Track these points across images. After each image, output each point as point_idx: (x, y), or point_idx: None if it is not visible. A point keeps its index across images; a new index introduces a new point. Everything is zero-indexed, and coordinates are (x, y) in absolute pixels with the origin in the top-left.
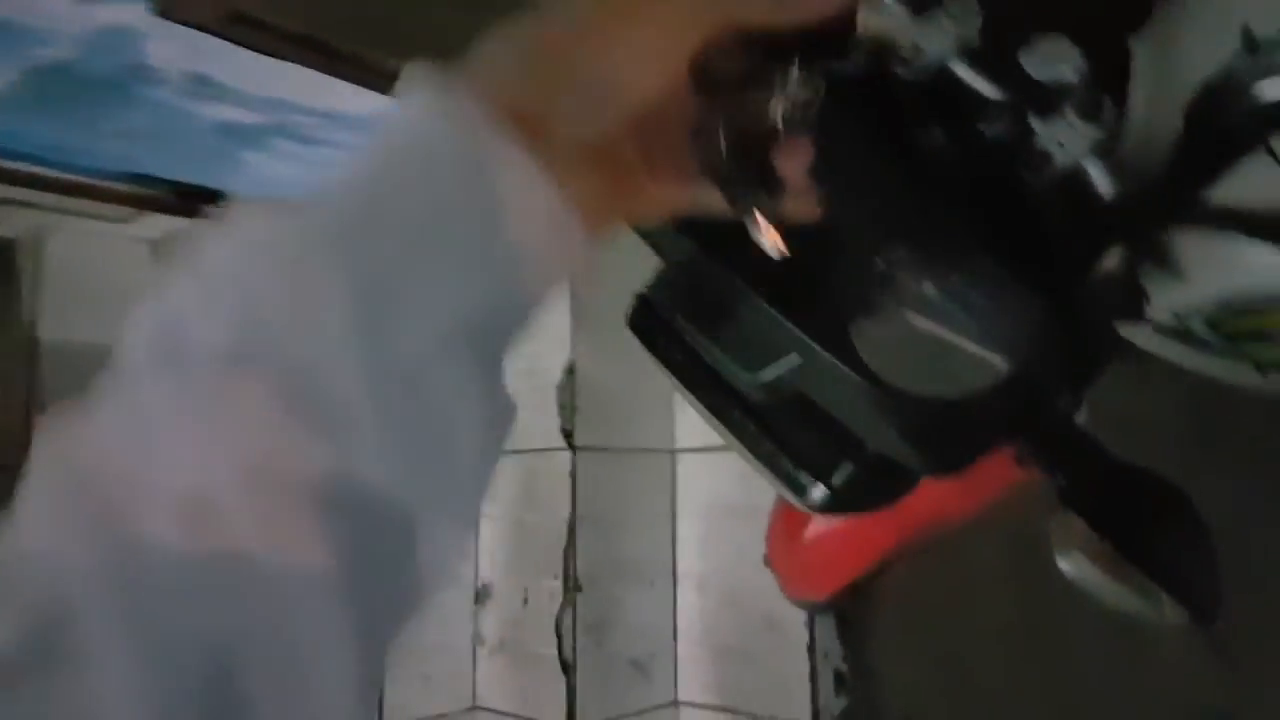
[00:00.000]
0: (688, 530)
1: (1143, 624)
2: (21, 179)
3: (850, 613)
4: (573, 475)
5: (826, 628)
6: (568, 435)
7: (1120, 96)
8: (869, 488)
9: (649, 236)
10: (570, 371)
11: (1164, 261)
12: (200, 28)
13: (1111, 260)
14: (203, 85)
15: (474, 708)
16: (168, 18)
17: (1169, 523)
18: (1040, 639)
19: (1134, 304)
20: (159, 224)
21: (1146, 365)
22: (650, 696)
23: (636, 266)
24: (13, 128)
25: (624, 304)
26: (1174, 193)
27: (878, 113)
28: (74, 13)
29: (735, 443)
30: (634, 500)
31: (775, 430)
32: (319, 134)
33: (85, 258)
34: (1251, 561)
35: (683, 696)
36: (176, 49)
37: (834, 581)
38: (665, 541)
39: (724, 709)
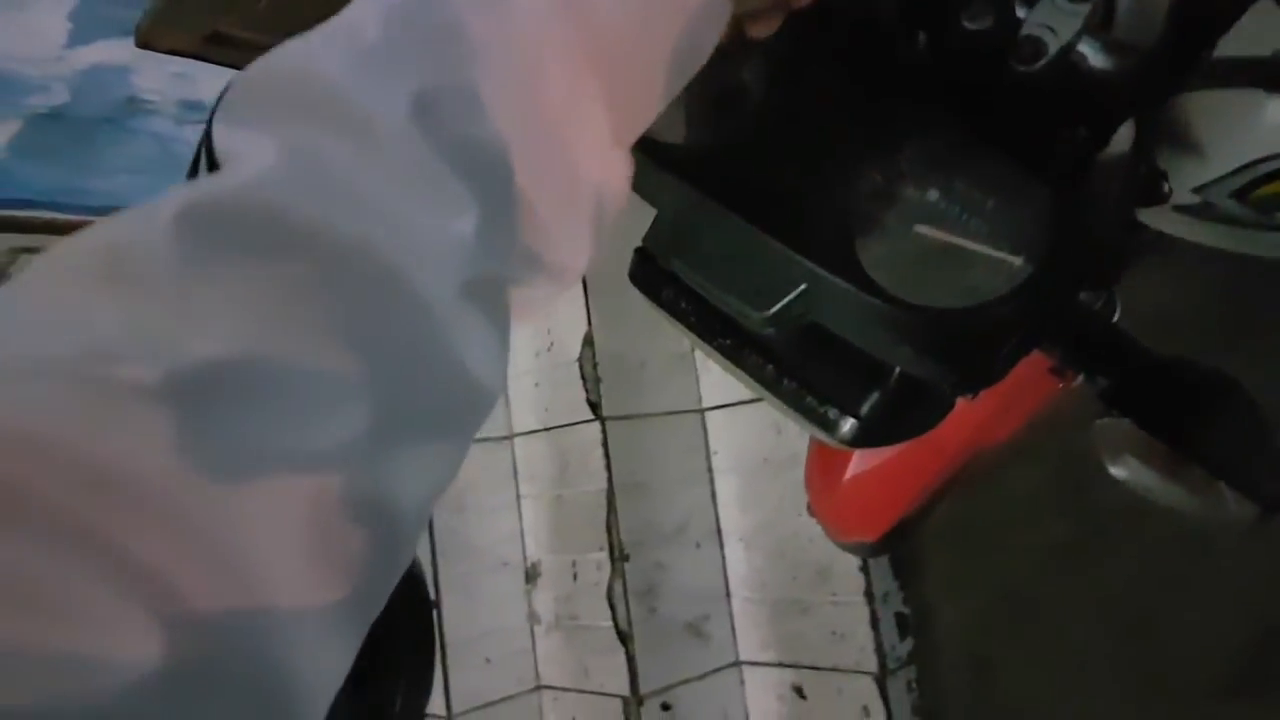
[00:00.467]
0: (726, 487)
1: (1205, 524)
2: (29, 226)
3: (905, 553)
4: (604, 445)
5: (882, 570)
6: (594, 406)
7: None
8: (899, 414)
9: (643, 187)
10: (589, 342)
11: (1177, 136)
12: (182, 54)
13: (1121, 142)
14: (192, 110)
15: (538, 687)
16: (150, 48)
17: (1221, 412)
18: (1099, 556)
19: (1152, 187)
20: None
21: (1175, 257)
22: (711, 659)
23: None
24: (16, 177)
25: None
26: (1177, 58)
27: (858, 24)
28: (63, 57)
29: (756, 386)
30: (669, 463)
31: (794, 367)
32: None
33: None
34: None
35: (743, 656)
36: (163, 78)
37: (882, 520)
38: (705, 501)
39: (787, 664)
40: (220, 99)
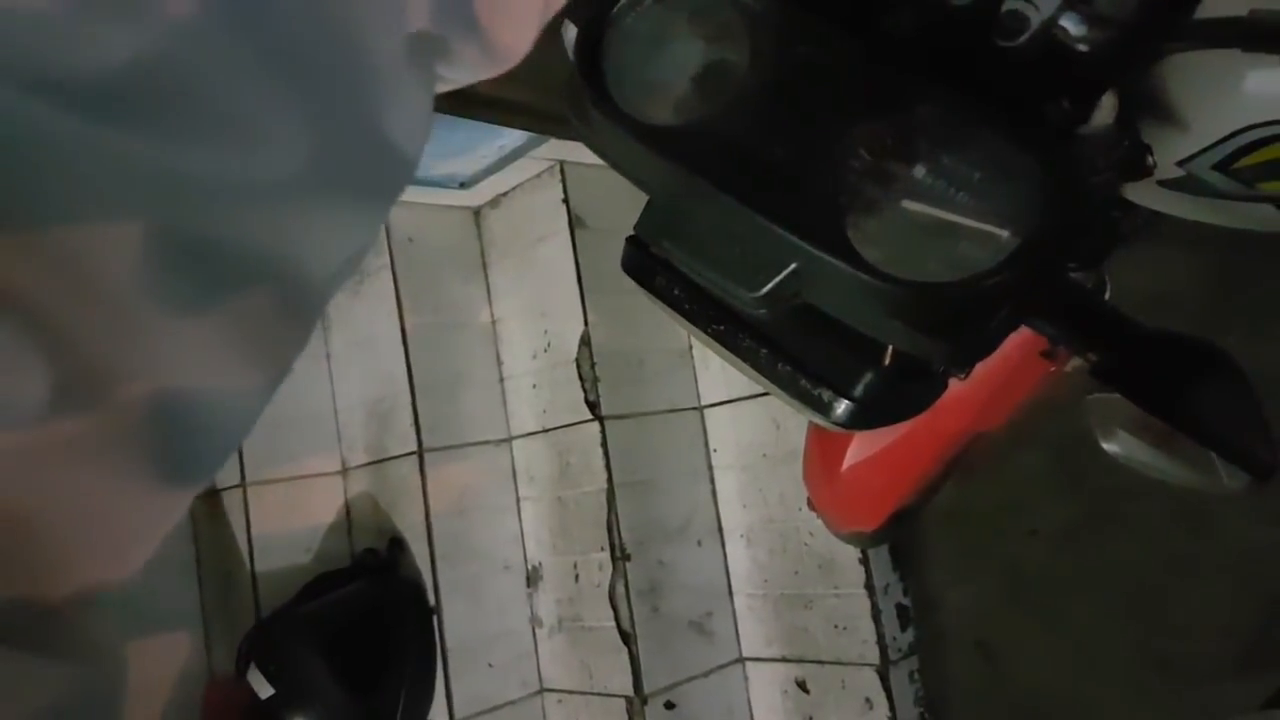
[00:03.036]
0: (726, 484)
1: (1199, 495)
2: None
3: (904, 542)
4: (604, 445)
5: (882, 561)
6: (593, 406)
7: None
8: (894, 395)
9: (631, 169)
10: (586, 342)
11: (1159, 108)
12: None
13: (1104, 114)
14: None
15: (542, 690)
16: None
17: (1210, 383)
18: (1098, 537)
19: (1137, 160)
20: None
21: (1165, 239)
22: (715, 656)
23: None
24: None
25: None
26: (1157, 25)
27: (842, 1)
28: None
29: (750, 371)
30: (668, 461)
31: (787, 349)
32: None
33: None
34: None
35: (747, 652)
36: None
37: (880, 509)
38: (706, 498)
39: (790, 659)
40: None
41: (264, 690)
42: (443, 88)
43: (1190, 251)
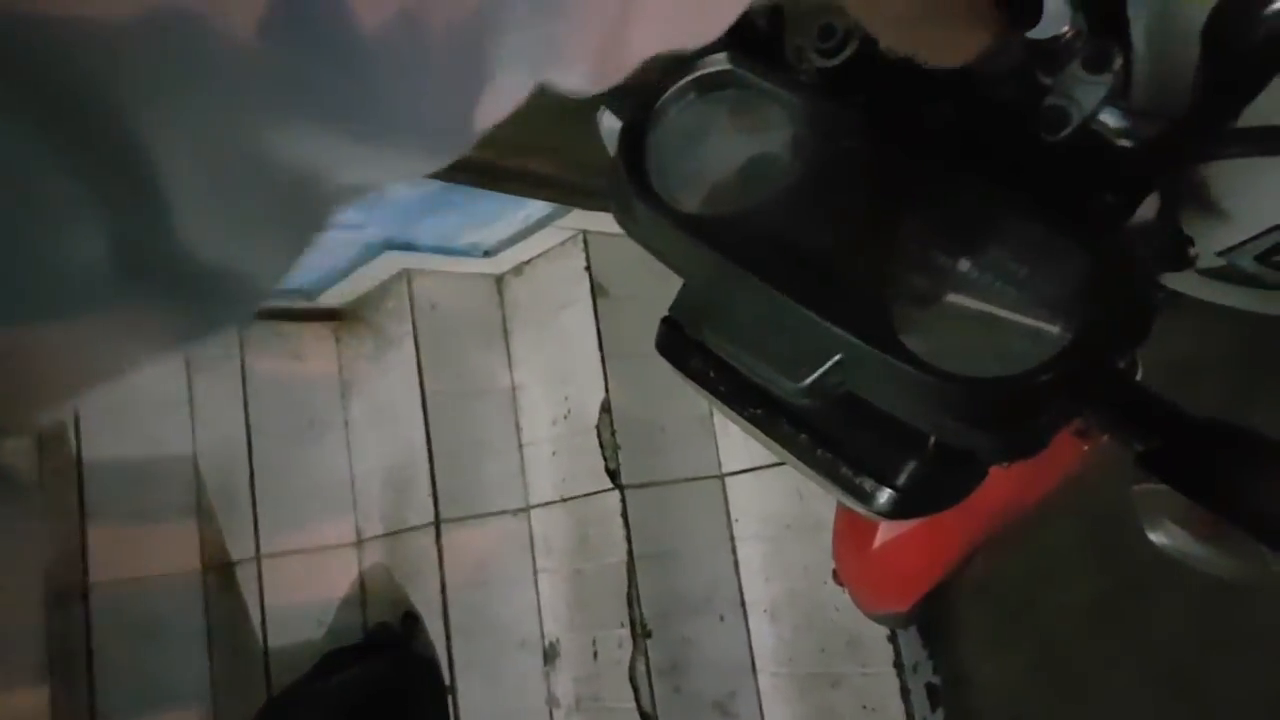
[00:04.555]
0: (749, 555)
1: (1241, 584)
2: None
3: (934, 618)
4: (624, 515)
5: (911, 639)
6: (613, 475)
7: (1125, 40)
8: (937, 484)
9: (671, 257)
10: (606, 409)
11: (1203, 201)
12: None
13: (1149, 209)
14: None
15: None
16: None
17: (1260, 474)
18: (1132, 614)
19: (1178, 251)
20: None
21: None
22: None
23: (662, 296)
24: None
25: (651, 335)
26: (1202, 125)
27: (883, 93)
28: None
29: (789, 456)
30: (690, 531)
31: (828, 437)
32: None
33: None
34: None
35: None
36: None
37: (914, 590)
38: (728, 570)
39: None
40: None
41: None
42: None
43: (1212, 322)
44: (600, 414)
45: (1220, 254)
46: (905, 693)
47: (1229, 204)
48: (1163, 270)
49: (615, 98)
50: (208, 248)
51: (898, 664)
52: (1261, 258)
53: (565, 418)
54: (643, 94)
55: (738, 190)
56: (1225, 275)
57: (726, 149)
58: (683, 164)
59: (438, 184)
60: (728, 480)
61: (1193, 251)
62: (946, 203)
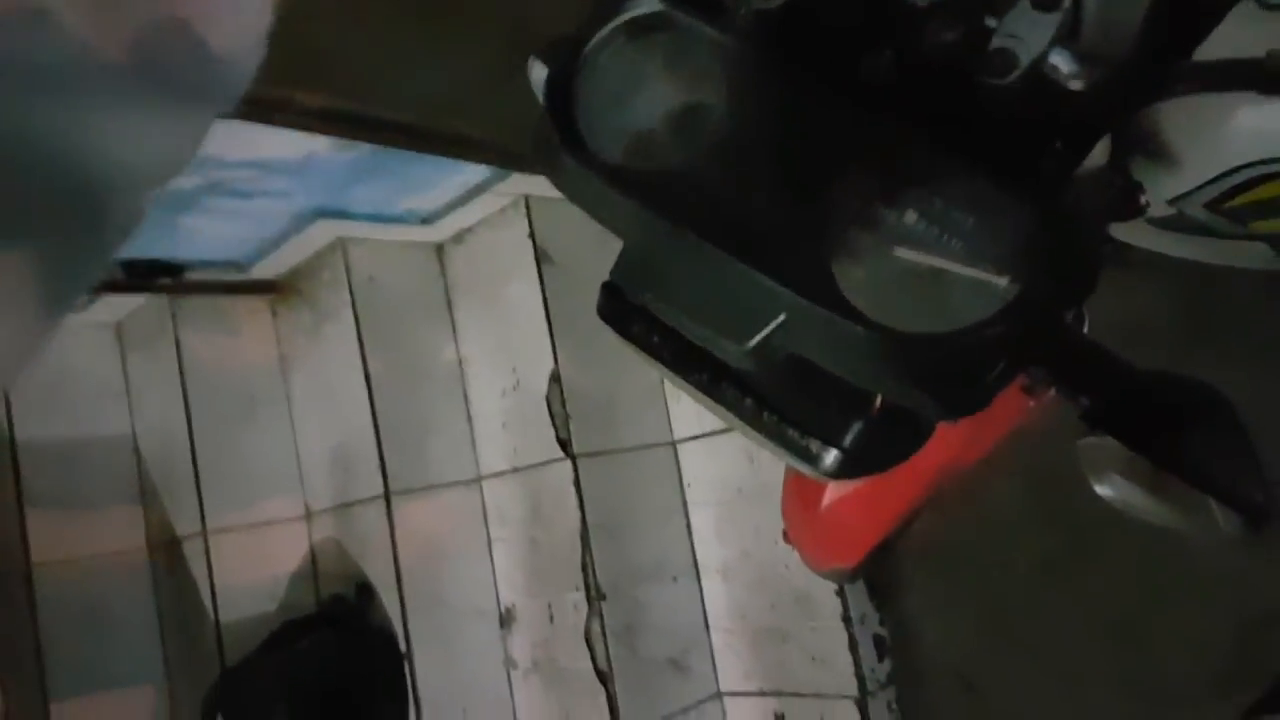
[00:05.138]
0: (701, 520)
1: (1185, 535)
2: None
3: (880, 575)
4: (577, 484)
5: (859, 594)
6: (564, 444)
7: None
8: (884, 444)
9: (608, 217)
10: (556, 379)
11: (1153, 146)
12: None
13: (1098, 156)
14: None
15: None
16: None
17: (1205, 427)
18: (1076, 568)
19: (1130, 200)
20: (117, 305)
21: (1133, 266)
22: (692, 692)
23: (609, 262)
24: None
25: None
26: (1155, 62)
27: (822, 40)
28: None
29: (734, 420)
30: (642, 498)
31: (773, 399)
32: (253, 185)
33: (50, 351)
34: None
35: (725, 687)
36: None
37: (860, 547)
38: (681, 535)
39: (768, 693)
40: None
41: None
42: None
43: (1157, 278)
44: (550, 384)
45: (1170, 202)
46: (853, 645)
47: (1179, 149)
48: (1113, 219)
49: (545, 46)
50: None
51: (845, 618)
52: (1211, 205)
53: (514, 389)
54: (571, 40)
55: (671, 141)
56: (1176, 225)
57: (659, 98)
58: (613, 114)
59: (367, 148)
60: (679, 447)
61: (1143, 199)
62: (889, 153)
